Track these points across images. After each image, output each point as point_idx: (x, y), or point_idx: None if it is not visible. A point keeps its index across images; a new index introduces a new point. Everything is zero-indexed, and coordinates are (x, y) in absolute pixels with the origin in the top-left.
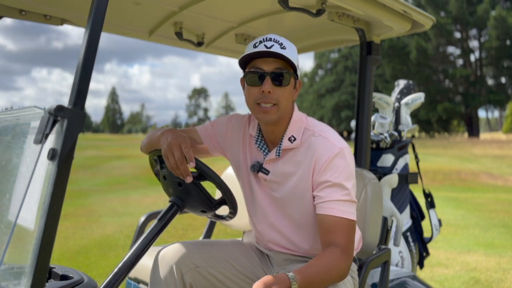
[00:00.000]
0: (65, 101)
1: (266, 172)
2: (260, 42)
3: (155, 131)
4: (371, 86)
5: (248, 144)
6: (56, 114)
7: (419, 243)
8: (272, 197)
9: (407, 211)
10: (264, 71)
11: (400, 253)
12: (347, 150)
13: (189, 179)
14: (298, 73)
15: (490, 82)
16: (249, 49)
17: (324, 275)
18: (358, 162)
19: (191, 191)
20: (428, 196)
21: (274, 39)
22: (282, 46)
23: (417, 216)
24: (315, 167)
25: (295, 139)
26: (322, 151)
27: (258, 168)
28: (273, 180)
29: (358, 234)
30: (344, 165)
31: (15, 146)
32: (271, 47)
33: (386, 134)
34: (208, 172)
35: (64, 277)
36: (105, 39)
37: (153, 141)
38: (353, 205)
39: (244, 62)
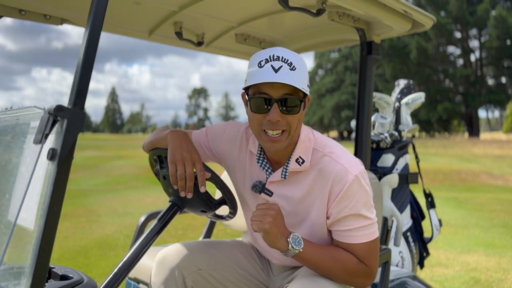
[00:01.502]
0: (65, 101)
1: (270, 193)
2: (267, 61)
3: (161, 130)
4: (371, 86)
5: (248, 160)
6: (56, 114)
7: (419, 243)
8: None
9: (407, 211)
10: (271, 97)
11: (400, 253)
12: (362, 174)
13: (189, 195)
14: (308, 91)
15: (490, 82)
16: (253, 67)
17: (331, 267)
18: None
19: None
20: (428, 196)
21: (282, 57)
22: (292, 66)
23: (418, 216)
24: (330, 196)
25: (303, 161)
26: (337, 178)
27: (260, 188)
28: (276, 202)
29: None
30: (360, 193)
31: (15, 146)
32: (279, 68)
33: (386, 134)
34: (208, 172)
35: (64, 277)
36: (105, 39)
37: (158, 139)
38: (373, 226)
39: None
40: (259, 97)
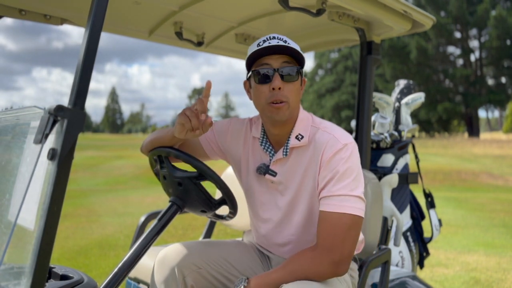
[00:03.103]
0: (65, 101)
1: (274, 173)
2: (264, 41)
3: (162, 130)
4: (371, 86)
5: (251, 146)
6: (56, 114)
7: (419, 243)
8: (279, 199)
9: (407, 211)
10: (273, 68)
11: (400, 253)
12: (352, 145)
13: (209, 120)
14: (303, 70)
15: (490, 82)
16: (253, 48)
17: (297, 276)
18: None
19: (191, 191)
20: (428, 196)
21: (277, 37)
22: (287, 43)
23: (417, 216)
24: (321, 164)
25: (302, 137)
26: (327, 147)
27: (264, 170)
28: (281, 181)
29: (360, 235)
30: (345, 159)
31: (15, 146)
32: (276, 44)
33: (386, 134)
34: (208, 172)
35: (64, 277)
36: (105, 39)
37: (162, 136)
38: (356, 200)
39: (249, 63)
40: (261, 68)
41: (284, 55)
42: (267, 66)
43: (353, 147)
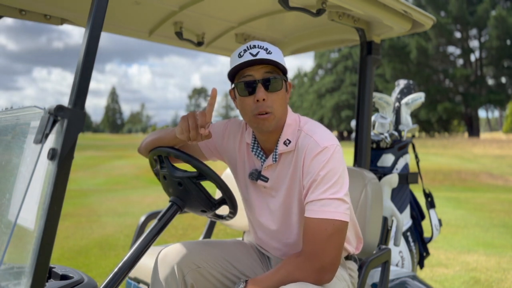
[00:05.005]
0: (65, 101)
1: (265, 179)
2: (245, 50)
3: (162, 130)
4: (371, 86)
5: (246, 151)
6: (56, 114)
7: (419, 243)
8: (272, 204)
9: (407, 211)
10: (255, 79)
11: (400, 253)
12: (333, 147)
13: (205, 134)
14: (287, 75)
15: (490, 82)
16: (234, 59)
17: (288, 281)
18: (358, 162)
19: (191, 190)
20: (428, 196)
21: (258, 45)
22: (268, 51)
23: (417, 216)
24: (303, 169)
25: (290, 142)
26: (308, 151)
27: (256, 176)
28: (273, 187)
29: (358, 234)
30: (325, 162)
31: (15, 146)
32: (257, 54)
33: (386, 134)
34: (208, 171)
35: (64, 277)
36: (105, 39)
37: (163, 136)
38: (338, 204)
39: (232, 74)
40: (244, 80)
41: (266, 64)
42: (250, 78)
43: (334, 148)
